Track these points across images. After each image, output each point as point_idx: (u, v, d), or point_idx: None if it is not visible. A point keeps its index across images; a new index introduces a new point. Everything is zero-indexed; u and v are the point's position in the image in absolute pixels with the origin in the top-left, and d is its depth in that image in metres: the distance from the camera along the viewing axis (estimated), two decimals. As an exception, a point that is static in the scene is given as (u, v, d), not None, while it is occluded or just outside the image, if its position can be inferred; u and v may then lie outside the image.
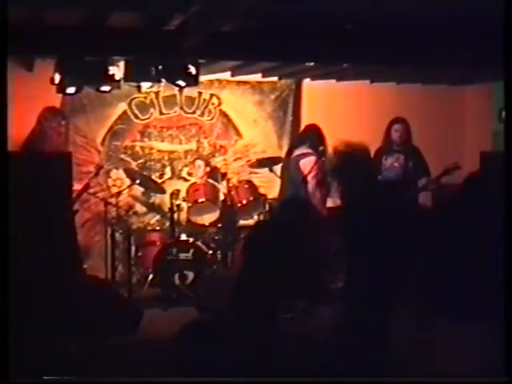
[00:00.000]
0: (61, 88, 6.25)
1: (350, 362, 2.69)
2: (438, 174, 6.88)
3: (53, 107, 6.86)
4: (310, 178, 6.38)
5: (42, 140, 6.39)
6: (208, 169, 7.91)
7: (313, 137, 6.77)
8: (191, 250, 7.20)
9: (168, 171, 8.29)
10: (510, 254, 1.72)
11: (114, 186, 7.94)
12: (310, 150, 6.59)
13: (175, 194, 7.47)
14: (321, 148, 6.61)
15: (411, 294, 1.86)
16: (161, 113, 8.20)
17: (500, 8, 3.49)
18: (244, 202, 7.38)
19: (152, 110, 8.17)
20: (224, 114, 8.44)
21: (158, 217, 8.10)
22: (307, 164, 6.46)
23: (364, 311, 3.26)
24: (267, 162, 7.69)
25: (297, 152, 6.68)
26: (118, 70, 6.22)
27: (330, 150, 6.55)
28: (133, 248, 7.50)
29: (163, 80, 6.43)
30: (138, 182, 7.47)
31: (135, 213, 7.90)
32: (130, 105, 8.05)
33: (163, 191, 7.70)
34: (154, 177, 8.07)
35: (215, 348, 3.24)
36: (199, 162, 7.96)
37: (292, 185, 6.62)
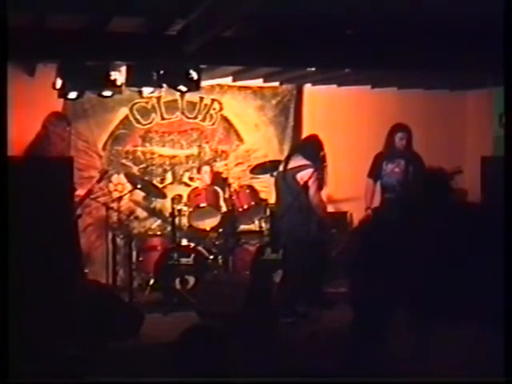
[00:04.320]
0: (62, 93, 6.27)
1: None
2: None
3: (58, 112, 6.89)
4: (309, 189, 6.25)
5: (46, 145, 6.41)
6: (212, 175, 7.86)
7: (310, 146, 6.56)
8: (192, 255, 7.19)
9: (169, 176, 8.29)
10: (510, 256, 1.74)
11: (116, 190, 7.94)
12: (306, 161, 6.38)
13: (176, 199, 7.48)
14: (319, 156, 6.45)
15: (411, 297, 1.87)
16: (162, 118, 8.21)
17: (500, 13, 3.50)
18: (245, 206, 7.39)
19: (153, 115, 8.18)
20: (225, 119, 8.45)
21: (159, 222, 8.11)
22: (305, 176, 6.30)
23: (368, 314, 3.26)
24: (268, 166, 7.67)
25: (293, 163, 6.47)
26: (119, 75, 6.24)
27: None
28: (134, 253, 7.50)
29: (164, 85, 6.44)
30: (139, 186, 7.48)
31: (136, 218, 7.91)
32: (131, 110, 8.06)
33: (164, 196, 7.70)
34: (155, 182, 8.07)
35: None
36: (206, 168, 7.92)
37: (290, 198, 6.41)
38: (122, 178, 7.95)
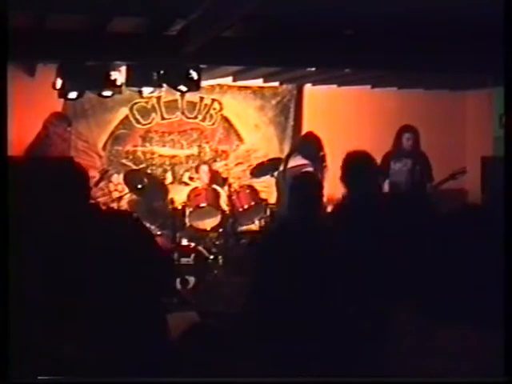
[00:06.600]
0: (63, 93, 6.27)
1: None
2: (443, 179, 6.91)
3: (59, 113, 6.90)
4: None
5: (46, 145, 6.41)
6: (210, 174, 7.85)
7: (309, 145, 6.57)
8: (192, 255, 7.19)
9: (169, 176, 8.30)
10: (511, 256, 1.74)
11: (116, 190, 7.94)
12: (306, 161, 6.40)
13: (176, 199, 7.47)
14: (318, 156, 6.45)
15: (414, 295, 1.88)
16: (162, 118, 8.22)
17: (500, 13, 3.50)
18: (245, 206, 7.39)
19: (153, 114, 8.19)
20: (225, 119, 8.46)
21: (159, 222, 8.10)
22: None
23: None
24: (268, 165, 7.65)
25: (292, 163, 6.49)
26: (119, 75, 6.25)
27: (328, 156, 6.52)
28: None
29: (165, 85, 6.44)
30: (139, 187, 7.47)
31: (136, 217, 7.89)
32: (131, 110, 8.07)
33: (164, 196, 7.69)
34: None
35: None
36: (204, 168, 7.89)
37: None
38: (122, 178, 7.94)
